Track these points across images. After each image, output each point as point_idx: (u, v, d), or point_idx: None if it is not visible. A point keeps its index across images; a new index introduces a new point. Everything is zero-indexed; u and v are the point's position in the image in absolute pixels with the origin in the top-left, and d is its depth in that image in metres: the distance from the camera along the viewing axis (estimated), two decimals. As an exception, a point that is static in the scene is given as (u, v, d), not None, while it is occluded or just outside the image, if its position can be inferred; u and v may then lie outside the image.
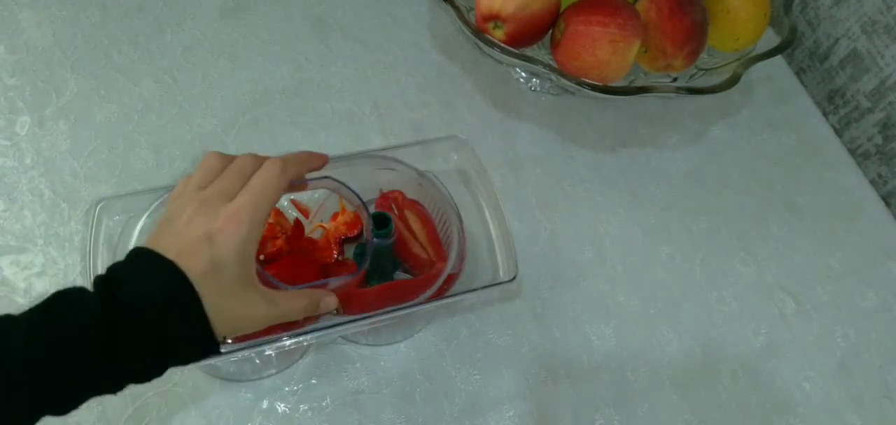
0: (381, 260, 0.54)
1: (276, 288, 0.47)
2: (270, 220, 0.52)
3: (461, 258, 0.53)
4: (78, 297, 0.36)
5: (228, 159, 0.43)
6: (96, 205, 0.49)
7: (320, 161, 0.47)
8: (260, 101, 0.70)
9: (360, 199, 0.51)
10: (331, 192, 0.53)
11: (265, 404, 0.54)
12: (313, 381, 0.55)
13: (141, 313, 0.35)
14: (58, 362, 0.34)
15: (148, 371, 0.37)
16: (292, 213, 0.56)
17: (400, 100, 0.73)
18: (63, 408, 0.35)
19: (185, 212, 0.40)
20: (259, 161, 0.43)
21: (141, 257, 0.38)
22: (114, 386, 0.37)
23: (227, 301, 0.38)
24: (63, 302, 0.35)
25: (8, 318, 0.35)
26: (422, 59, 0.76)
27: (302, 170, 0.45)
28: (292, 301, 0.43)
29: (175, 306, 0.36)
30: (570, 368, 0.59)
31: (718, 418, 0.59)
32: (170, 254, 0.37)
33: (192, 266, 0.37)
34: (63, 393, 0.35)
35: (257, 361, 0.54)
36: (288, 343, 0.47)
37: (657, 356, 0.61)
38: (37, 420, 0.35)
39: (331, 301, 0.45)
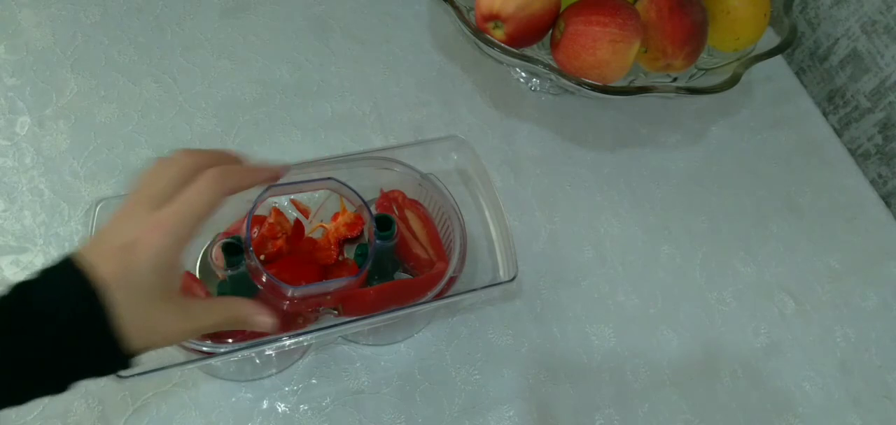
0: (382, 260, 0.54)
1: (277, 287, 0.47)
2: (270, 220, 0.52)
3: (462, 259, 0.53)
4: None
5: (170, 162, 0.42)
6: (96, 206, 0.49)
7: (271, 174, 0.45)
8: (260, 101, 0.70)
9: (363, 200, 0.51)
10: (331, 192, 0.53)
11: (265, 404, 0.54)
12: (313, 381, 0.55)
13: (45, 322, 0.35)
14: None
15: (52, 382, 0.36)
16: (292, 213, 0.56)
17: (400, 100, 0.73)
18: None
19: (115, 219, 0.39)
20: (200, 161, 0.41)
21: (61, 265, 0.37)
22: (21, 397, 0.36)
23: (140, 311, 0.37)
24: None
25: None
26: (422, 59, 0.76)
27: (245, 183, 0.42)
28: (209, 314, 0.41)
29: (83, 317, 0.35)
30: (570, 368, 0.59)
31: (718, 418, 0.59)
32: (89, 257, 0.36)
33: (107, 273, 0.36)
34: None
35: (257, 361, 0.54)
36: (288, 343, 0.47)
37: (657, 356, 0.61)
38: None
39: (264, 320, 0.42)
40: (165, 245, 0.37)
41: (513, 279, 0.51)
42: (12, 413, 0.51)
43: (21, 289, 0.35)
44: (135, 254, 0.37)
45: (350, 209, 0.54)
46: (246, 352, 0.46)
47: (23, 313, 0.35)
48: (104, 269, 0.36)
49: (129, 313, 0.36)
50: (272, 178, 0.45)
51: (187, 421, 0.52)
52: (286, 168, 0.45)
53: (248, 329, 0.42)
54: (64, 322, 0.35)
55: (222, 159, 0.43)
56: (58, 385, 0.36)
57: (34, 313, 0.35)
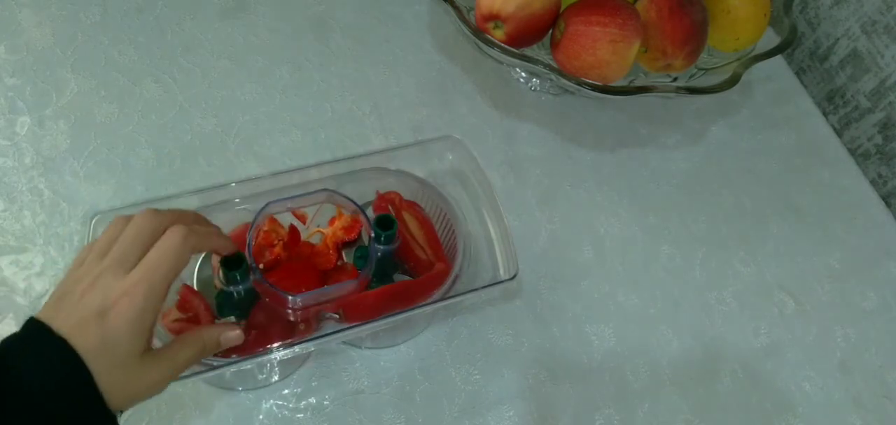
0: (382, 262, 0.54)
1: (278, 296, 0.47)
2: (266, 229, 0.52)
3: (465, 259, 0.53)
4: None
5: (129, 221, 0.42)
6: (91, 220, 0.48)
7: (227, 246, 0.46)
8: (260, 101, 0.70)
9: (358, 207, 0.51)
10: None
11: (265, 405, 0.54)
12: (313, 382, 0.55)
13: (32, 396, 0.35)
14: None
15: None
16: (287, 218, 0.56)
17: (400, 100, 0.73)
18: None
19: (81, 285, 0.39)
20: (162, 222, 0.41)
21: (34, 334, 0.37)
22: None
23: (119, 375, 0.37)
24: None
25: None
26: (422, 59, 0.76)
27: (207, 246, 0.43)
28: (182, 351, 0.41)
29: (67, 388, 0.36)
30: (570, 368, 0.59)
31: (718, 418, 0.59)
32: (63, 330, 0.37)
33: (84, 343, 0.36)
34: None
35: (261, 376, 0.54)
36: (290, 353, 0.47)
37: (657, 356, 0.61)
38: None
39: (232, 335, 0.44)
40: (138, 309, 0.38)
41: (513, 277, 0.51)
42: (12, 413, 0.51)
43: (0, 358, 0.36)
44: (110, 322, 0.37)
45: (346, 213, 0.54)
46: (248, 364, 0.46)
47: (7, 385, 0.35)
48: (81, 340, 0.36)
49: (110, 377, 0.37)
50: (229, 249, 0.46)
51: (187, 422, 0.52)
52: (233, 245, 0.46)
53: (221, 350, 0.44)
54: (50, 393, 0.35)
55: (183, 218, 0.43)
56: None
57: (20, 385, 0.35)
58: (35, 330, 0.37)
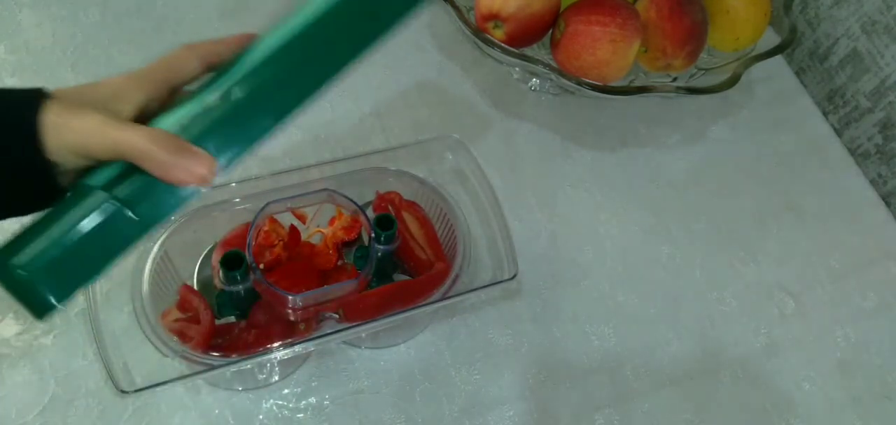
0: (382, 262, 0.54)
1: (279, 296, 0.47)
2: (266, 229, 0.52)
3: (466, 258, 0.53)
4: None
5: None
6: None
7: (240, 40, 0.41)
8: (260, 101, 0.70)
9: (358, 207, 0.51)
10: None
11: (265, 404, 0.54)
12: (313, 382, 0.55)
13: None
14: None
15: None
16: (288, 218, 0.56)
17: (400, 100, 0.73)
18: None
19: None
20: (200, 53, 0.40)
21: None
22: None
23: (66, 101, 0.35)
24: None
25: None
26: (422, 59, 0.76)
27: (216, 52, 0.40)
28: (140, 129, 0.35)
29: (16, 102, 0.34)
30: (570, 368, 0.59)
31: (718, 418, 0.59)
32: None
33: (59, 91, 0.35)
34: None
35: (261, 376, 0.54)
36: (287, 353, 0.47)
37: (657, 356, 0.61)
38: None
39: (199, 166, 0.35)
40: (126, 84, 0.38)
41: (513, 277, 0.51)
42: (12, 411, 0.51)
43: None
44: (96, 84, 0.37)
45: (346, 214, 0.54)
46: (248, 364, 0.46)
47: None
48: (62, 87, 0.36)
49: (59, 99, 0.35)
50: (241, 42, 0.41)
51: (187, 422, 0.52)
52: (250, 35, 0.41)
53: (183, 180, 0.36)
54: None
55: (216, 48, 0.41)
56: None
57: None
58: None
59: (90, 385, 0.53)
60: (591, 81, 0.63)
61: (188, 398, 0.53)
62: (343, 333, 0.48)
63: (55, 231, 0.34)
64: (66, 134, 0.34)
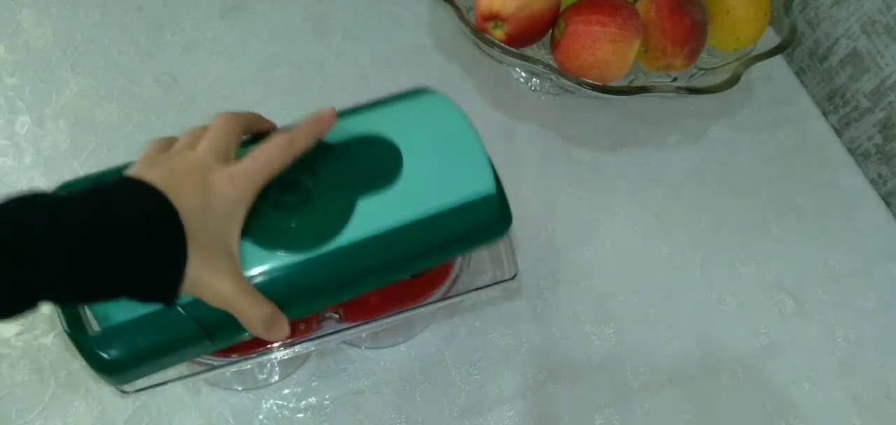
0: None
1: None
2: None
3: (467, 257, 0.53)
4: (57, 204, 0.33)
5: (206, 127, 0.42)
6: None
7: (325, 122, 0.44)
8: (260, 101, 0.70)
9: None
10: None
11: (265, 404, 0.54)
12: (313, 382, 0.55)
13: (121, 235, 0.33)
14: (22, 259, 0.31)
15: (100, 293, 0.34)
16: None
17: (400, 100, 0.73)
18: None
19: (175, 159, 0.38)
20: (243, 120, 0.42)
21: (129, 182, 0.35)
22: (65, 297, 0.34)
23: (204, 250, 0.35)
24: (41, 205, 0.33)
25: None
26: (422, 59, 0.76)
27: (310, 144, 0.42)
28: (260, 303, 0.38)
29: (159, 237, 0.34)
30: (570, 368, 0.59)
31: (718, 418, 0.59)
32: (161, 185, 0.35)
33: (184, 198, 0.35)
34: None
35: (261, 376, 0.54)
36: (287, 353, 0.47)
37: (657, 356, 0.61)
38: None
39: (285, 330, 0.40)
40: (238, 198, 0.37)
41: (513, 277, 0.51)
42: (12, 411, 0.51)
43: (88, 195, 0.34)
44: (212, 196, 0.36)
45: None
46: (248, 364, 0.46)
47: (106, 212, 0.33)
48: (180, 192, 0.35)
49: (195, 246, 0.35)
50: (327, 125, 0.44)
51: (187, 422, 0.52)
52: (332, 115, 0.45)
53: (267, 336, 0.40)
54: (144, 235, 0.34)
55: (264, 122, 0.45)
56: (105, 290, 0.34)
57: (116, 216, 0.33)
58: (127, 179, 0.35)
59: (90, 385, 0.53)
60: (591, 81, 0.63)
61: (188, 398, 0.53)
62: (343, 333, 0.48)
63: (141, 337, 0.37)
64: (201, 292, 0.36)
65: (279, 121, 0.69)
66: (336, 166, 0.44)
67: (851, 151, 0.79)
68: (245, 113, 0.44)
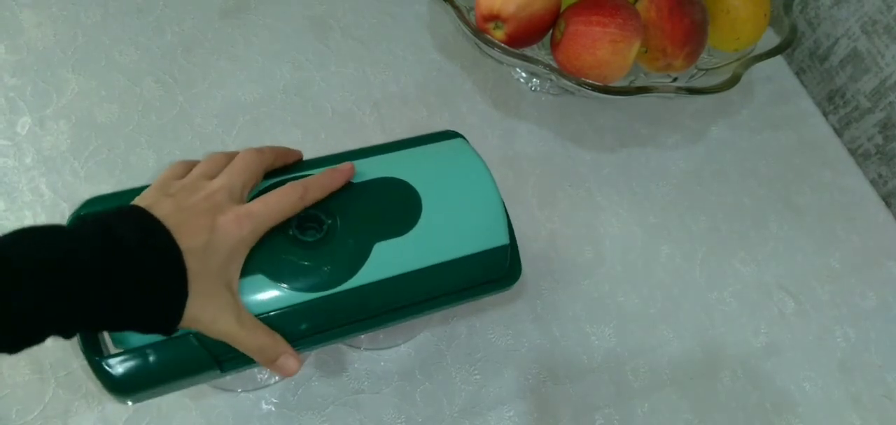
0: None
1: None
2: None
3: None
4: (78, 236, 0.34)
5: (229, 156, 0.43)
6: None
7: (342, 177, 0.45)
8: (260, 101, 0.70)
9: None
10: None
11: (265, 405, 0.54)
12: (314, 382, 0.55)
13: (128, 276, 0.35)
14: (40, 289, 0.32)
15: (104, 326, 0.36)
16: None
17: (400, 100, 0.73)
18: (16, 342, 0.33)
19: (188, 191, 0.39)
20: (266, 160, 0.43)
21: (138, 216, 0.37)
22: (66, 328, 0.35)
23: (203, 288, 0.37)
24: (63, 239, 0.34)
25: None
26: (422, 59, 0.76)
27: (323, 196, 0.44)
28: (259, 334, 0.39)
29: (161, 276, 0.36)
30: (570, 368, 0.59)
31: (718, 418, 0.59)
32: (168, 222, 0.37)
33: (189, 239, 0.36)
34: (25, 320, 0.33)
35: (261, 377, 0.54)
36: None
37: (657, 356, 0.61)
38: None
39: (292, 364, 0.41)
40: (243, 238, 0.38)
41: (516, 278, 0.51)
42: (12, 412, 0.51)
43: (102, 228, 0.35)
44: (217, 235, 0.37)
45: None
46: (250, 368, 0.46)
47: (114, 249, 0.34)
48: (185, 234, 0.36)
49: (196, 286, 0.36)
50: (340, 182, 0.45)
51: (187, 422, 0.52)
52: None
53: (276, 370, 0.41)
54: (151, 273, 0.35)
55: (288, 155, 0.46)
56: (109, 324, 0.36)
57: (129, 252, 0.35)
58: (141, 216, 0.37)
59: (90, 385, 0.53)
60: (591, 81, 0.63)
61: (188, 398, 0.53)
62: (344, 335, 0.48)
63: (153, 361, 0.39)
64: (200, 327, 0.38)
65: (279, 120, 0.69)
66: (356, 207, 0.45)
67: (852, 151, 0.79)
68: (270, 149, 0.45)
